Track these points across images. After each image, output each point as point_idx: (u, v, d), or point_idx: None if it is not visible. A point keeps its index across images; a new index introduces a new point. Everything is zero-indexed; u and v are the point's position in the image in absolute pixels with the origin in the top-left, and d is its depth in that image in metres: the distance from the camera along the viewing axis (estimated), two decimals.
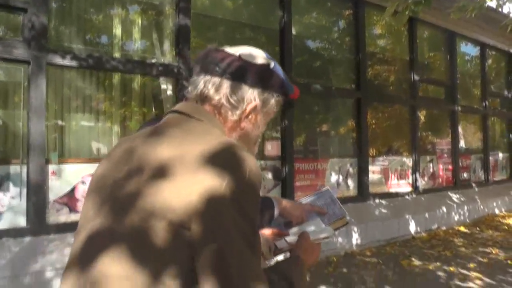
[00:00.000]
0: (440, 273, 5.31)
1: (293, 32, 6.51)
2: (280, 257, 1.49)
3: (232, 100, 1.21)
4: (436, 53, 9.71)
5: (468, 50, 10.65)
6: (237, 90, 1.21)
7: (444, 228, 7.92)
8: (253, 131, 1.28)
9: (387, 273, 5.28)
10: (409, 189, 8.11)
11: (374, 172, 7.65)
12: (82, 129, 4.91)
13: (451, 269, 5.47)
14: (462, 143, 10.00)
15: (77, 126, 4.84)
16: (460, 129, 9.76)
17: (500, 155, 11.04)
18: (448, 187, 9.04)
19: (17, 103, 4.38)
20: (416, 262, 5.77)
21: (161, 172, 1.03)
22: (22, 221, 4.19)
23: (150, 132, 1.18)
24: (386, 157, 8.14)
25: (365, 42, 7.44)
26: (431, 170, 8.81)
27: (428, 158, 8.82)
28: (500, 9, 8.54)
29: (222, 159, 1.03)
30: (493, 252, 6.36)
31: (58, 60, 4.42)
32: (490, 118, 10.73)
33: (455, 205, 8.44)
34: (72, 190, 4.47)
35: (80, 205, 4.36)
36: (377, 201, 7.27)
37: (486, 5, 5.21)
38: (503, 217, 9.34)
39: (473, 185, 9.71)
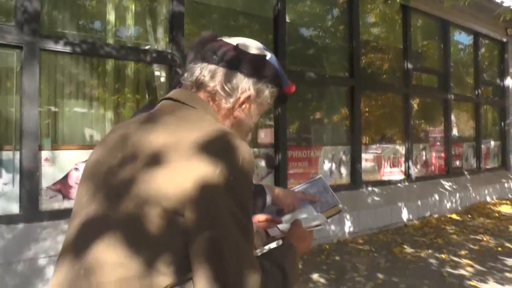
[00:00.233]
0: (432, 261, 5.37)
1: (287, 20, 6.48)
2: (272, 245, 1.50)
3: (226, 88, 1.22)
4: (429, 41, 9.72)
5: (462, 39, 10.71)
6: (232, 78, 1.23)
7: (436, 215, 7.99)
8: (246, 120, 1.29)
9: (379, 260, 5.34)
10: (401, 177, 8.16)
11: (367, 160, 7.68)
12: (76, 115, 4.88)
13: (443, 256, 5.53)
14: (454, 131, 10.06)
15: (71, 113, 4.81)
16: (452, 117, 9.82)
17: (492, 143, 11.13)
18: (441, 175, 9.11)
19: (10, 88, 4.34)
20: (408, 249, 5.82)
21: (155, 159, 1.03)
22: (15, 208, 4.18)
23: (145, 118, 1.19)
24: (379, 145, 8.18)
25: (359, 30, 7.42)
26: (423, 158, 8.86)
27: (421, 146, 8.87)
28: None
29: (216, 147, 1.04)
30: (484, 239, 6.44)
31: (51, 45, 4.37)
32: (483, 107, 10.78)
33: (447, 193, 8.52)
34: (66, 177, 4.46)
35: (73, 192, 4.35)
36: (370, 189, 7.31)
37: None
38: (494, 204, 9.45)
39: (465, 173, 9.78)
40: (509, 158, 11.24)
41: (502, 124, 11.27)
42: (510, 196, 10.51)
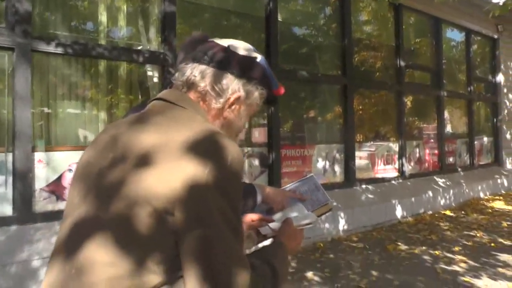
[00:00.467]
0: (426, 257, 5.39)
1: (279, 19, 6.49)
2: (264, 243, 1.51)
3: (216, 88, 1.24)
4: (422, 39, 9.75)
5: (454, 36, 10.77)
6: (222, 79, 1.24)
7: (430, 212, 8.02)
8: (236, 121, 1.31)
9: (373, 257, 5.35)
10: (395, 174, 8.19)
11: (360, 157, 7.71)
12: (68, 116, 4.87)
13: (437, 252, 5.55)
14: (447, 128, 10.12)
15: (63, 114, 4.80)
16: (446, 114, 9.87)
17: (485, 139, 11.19)
18: (434, 171, 9.16)
19: (2, 90, 4.33)
20: (402, 246, 5.84)
21: (145, 160, 1.04)
22: (8, 210, 4.17)
23: (135, 119, 1.20)
24: (372, 142, 8.21)
25: (351, 29, 7.44)
26: (417, 155, 8.90)
27: (414, 143, 8.91)
28: None
29: (205, 147, 1.05)
30: (478, 235, 6.47)
31: (43, 46, 4.36)
32: (475, 103, 10.84)
33: (441, 189, 8.55)
34: (59, 178, 4.45)
35: (67, 193, 4.34)
36: (363, 186, 7.34)
37: None
38: (488, 200, 9.49)
39: (459, 169, 9.84)
40: (502, 154, 11.30)
41: (495, 120, 11.34)
42: (503, 191, 10.57)
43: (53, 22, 4.76)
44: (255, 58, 1.31)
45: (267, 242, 1.55)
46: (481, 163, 10.81)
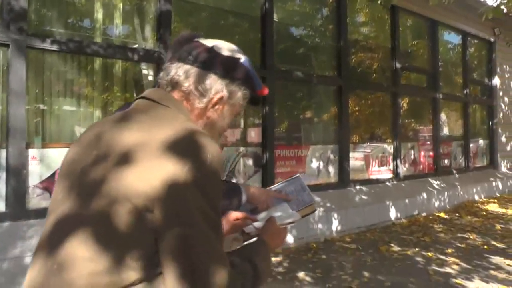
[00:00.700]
0: (418, 259, 5.40)
1: (275, 19, 6.50)
2: (248, 242, 1.53)
3: (200, 88, 1.25)
4: (418, 41, 9.79)
5: (450, 38, 10.81)
6: (206, 79, 1.26)
7: (424, 214, 8.03)
8: (219, 121, 1.32)
9: (366, 258, 5.36)
10: (390, 175, 8.21)
11: (355, 159, 7.72)
12: (63, 113, 4.88)
13: (429, 254, 5.57)
14: (443, 130, 10.14)
15: (58, 111, 4.81)
16: (441, 117, 9.89)
17: (481, 142, 11.22)
18: (429, 173, 9.18)
19: None
20: (395, 248, 5.86)
21: (126, 158, 1.06)
22: (1, 206, 4.18)
23: (119, 117, 1.21)
24: (367, 144, 8.22)
25: (347, 30, 7.46)
26: (412, 156, 8.93)
27: (409, 145, 8.93)
28: None
29: (184, 145, 1.07)
30: (471, 237, 6.48)
31: (38, 43, 4.37)
32: (471, 106, 10.87)
33: (435, 191, 8.57)
34: (53, 175, 4.45)
35: None
36: (357, 187, 7.36)
37: None
38: (482, 203, 9.51)
39: (454, 171, 9.87)
40: (497, 157, 11.33)
41: (490, 123, 11.37)
42: (497, 194, 10.59)
43: (48, 19, 4.76)
44: (239, 59, 1.32)
45: (252, 241, 1.57)
46: (476, 165, 10.84)
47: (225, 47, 1.32)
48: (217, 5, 6.40)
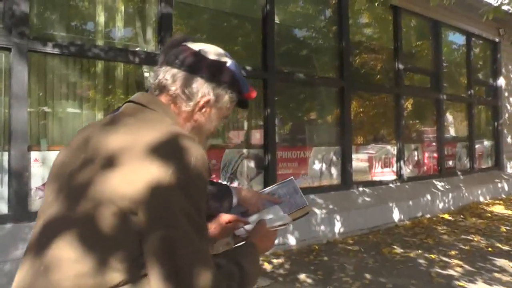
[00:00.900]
0: (421, 261, 5.37)
1: (276, 21, 6.50)
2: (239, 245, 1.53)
3: (186, 92, 1.27)
4: (421, 42, 9.75)
5: (454, 39, 10.75)
6: (192, 83, 1.27)
7: (428, 216, 8.00)
8: (206, 124, 1.34)
9: (368, 261, 5.35)
10: (393, 177, 8.19)
11: (358, 160, 7.70)
12: (65, 116, 4.90)
13: (432, 256, 5.54)
14: (447, 131, 10.10)
15: (60, 114, 4.83)
16: (445, 118, 9.86)
17: (486, 143, 11.16)
18: (433, 175, 9.14)
19: None
20: (398, 250, 5.84)
21: (111, 161, 1.07)
22: (3, 208, 4.22)
23: (107, 121, 1.23)
24: (370, 145, 8.20)
25: (349, 31, 7.45)
26: (415, 158, 8.89)
27: (412, 146, 8.90)
28: None
29: (169, 148, 1.08)
30: (475, 239, 6.45)
31: (40, 47, 4.41)
32: (476, 107, 10.81)
33: (439, 193, 8.53)
34: None
35: None
36: (360, 189, 7.34)
37: None
38: (487, 204, 9.46)
39: (458, 173, 9.82)
40: (503, 158, 11.27)
41: (495, 124, 11.31)
42: (503, 196, 10.53)
43: (50, 23, 4.80)
44: (225, 62, 1.33)
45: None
46: (481, 167, 10.78)
47: (212, 51, 1.33)
48: (217, 7, 6.40)
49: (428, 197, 8.19)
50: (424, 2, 7.53)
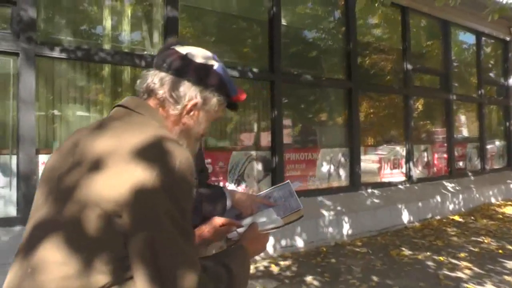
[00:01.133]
0: (429, 263, 5.33)
1: (283, 22, 6.51)
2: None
3: (174, 95, 1.28)
4: (430, 42, 9.66)
5: (464, 38, 10.64)
6: (179, 86, 1.28)
7: (438, 217, 7.93)
8: (195, 127, 1.34)
9: (375, 263, 5.32)
10: (402, 178, 8.14)
11: (366, 161, 7.66)
12: (73, 120, 4.94)
13: (441, 258, 5.49)
14: (457, 132, 10.00)
15: (68, 117, 4.87)
16: (455, 118, 9.77)
17: (497, 143, 11.04)
18: (443, 176, 9.05)
19: (7, 94, 4.43)
20: (406, 252, 5.79)
21: (97, 164, 1.09)
22: (12, 211, 4.27)
23: (96, 125, 1.25)
24: (379, 146, 8.16)
25: (356, 32, 7.43)
26: (425, 159, 8.83)
27: (422, 147, 8.83)
28: None
29: (153, 151, 1.09)
30: (486, 241, 6.37)
31: (47, 52, 4.47)
32: (486, 106, 10.70)
33: (449, 194, 8.46)
34: None
35: None
36: (369, 191, 7.31)
37: None
38: (499, 205, 9.34)
39: (469, 173, 9.72)
40: None
41: (507, 124, 11.18)
42: None
43: (57, 28, 4.85)
44: (212, 66, 1.34)
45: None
46: (492, 167, 10.66)
47: (199, 54, 1.34)
48: (224, 10, 6.41)
49: (438, 198, 8.12)
50: (432, 2, 7.47)
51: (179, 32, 5.35)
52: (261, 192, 1.87)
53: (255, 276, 4.82)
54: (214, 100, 1.33)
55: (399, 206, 7.33)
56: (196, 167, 1.17)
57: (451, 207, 8.39)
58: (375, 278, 4.77)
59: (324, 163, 6.93)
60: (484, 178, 9.93)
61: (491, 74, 11.32)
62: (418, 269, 5.13)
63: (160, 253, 1.02)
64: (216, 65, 1.35)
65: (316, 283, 4.66)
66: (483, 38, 10.62)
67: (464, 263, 5.30)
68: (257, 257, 5.34)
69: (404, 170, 8.23)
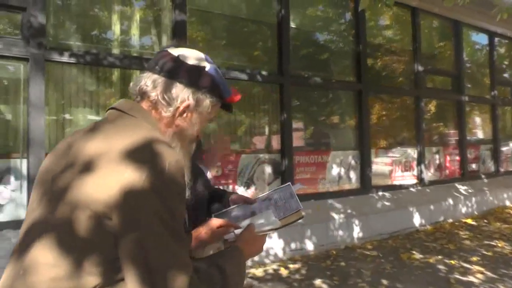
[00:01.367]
0: (440, 267, 5.27)
1: (292, 25, 6.51)
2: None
3: (166, 97, 1.28)
4: (442, 43, 9.58)
5: (476, 39, 10.52)
6: (171, 88, 1.28)
7: (450, 220, 7.84)
8: (188, 129, 1.34)
9: (385, 266, 5.27)
10: (414, 181, 8.07)
11: (377, 164, 7.62)
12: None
13: (452, 262, 5.42)
14: (470, 134, 9.89)
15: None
16: (468, 120, 9.66)
17: (511, 145, 10.88)
18: (455, 178, 8.96)
19: (17, 98, 4.49)
20: (417, 255, 5.74)
21: (88, 166, 1.09)
22: (22, 214, 4.31)
23: (89, 127, 1.26)
24: (390, 149, 8.10)
25: (366, 34, 7.40)
26: (437, 161, 8.74)
27: (434, 149, 8.75)
28: None
29: (142, 153, 1.09)
30: (499, 245, 6.28)
31: (56, 57, 4.53)
32: (500, 108, 10.57)
33: (462, 197, 8.36)
34: None
35: None
36: (380, 193, 7.26)
37: None
38: None
39: (482, 176, 9.60)
40: None
41: None
42: None
43: (66, 33, 4.90)
44: (204, 67, 1.33)
45: None
46: (507, 169, 10.52)
47: (191, 56, 1.33)
48: (232, 13, 6.41)
49: (450, 201, 8.03)
50: (442, 2, 7.41)
51: (187, 36, 5.37)
52: (261, 194, 1.87)
53: (264, 279, 4.82)
54: (206, 101, 1.32)
55: (411, 209, 7.26)
56: (194, 167, 1.17)
57: (463, 210, 8.29)
58: (384, 282, 4.73)
59: (334, 166, 6.90)
60: (498, 181, 9.80)
61: (505, 75, 11.18)
62: (428, 273, 5.07)
63: (150, 254, 1.02)
64: (208, 66, 1.34)
65: (325, 286, 4.63)
66: (496, 39, 10.51)
67: (476, 267, 5.23)
68: (266, 260, 5.34)
69: (415, 172, 8.15)
